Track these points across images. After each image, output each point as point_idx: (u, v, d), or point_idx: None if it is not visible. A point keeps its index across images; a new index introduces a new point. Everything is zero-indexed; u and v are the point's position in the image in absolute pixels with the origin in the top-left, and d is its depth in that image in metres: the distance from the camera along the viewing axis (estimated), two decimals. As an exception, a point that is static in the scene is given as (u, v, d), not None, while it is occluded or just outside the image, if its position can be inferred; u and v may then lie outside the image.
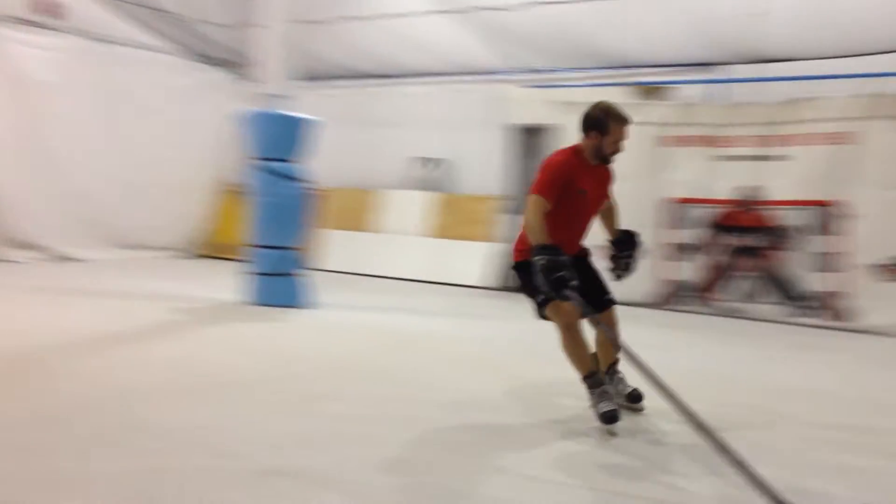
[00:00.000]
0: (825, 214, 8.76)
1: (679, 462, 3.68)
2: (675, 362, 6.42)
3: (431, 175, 12.54)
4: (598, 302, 4.41)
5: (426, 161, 12.65)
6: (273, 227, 8.10)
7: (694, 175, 9.69)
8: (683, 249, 9.77)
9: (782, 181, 9.13)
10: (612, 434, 4.03)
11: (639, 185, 9.98)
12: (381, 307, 8.69)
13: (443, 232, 11.86)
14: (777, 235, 9.19)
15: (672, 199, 9.84)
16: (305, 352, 6.00)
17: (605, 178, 4.56)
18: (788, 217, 9.10)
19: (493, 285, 11.11)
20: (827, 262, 8.79)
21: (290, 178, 8.08)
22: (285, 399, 4.48)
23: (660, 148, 9.95)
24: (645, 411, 4.44)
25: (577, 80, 11.03)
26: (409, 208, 12.30)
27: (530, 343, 7.00)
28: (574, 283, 3.87)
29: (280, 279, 8.06)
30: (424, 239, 11.97)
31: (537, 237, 4.02)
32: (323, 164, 9.89)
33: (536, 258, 3.88)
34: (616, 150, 4.35)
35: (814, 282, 8.78)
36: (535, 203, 4.15)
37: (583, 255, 4.58)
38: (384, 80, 13.10)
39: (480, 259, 11.32)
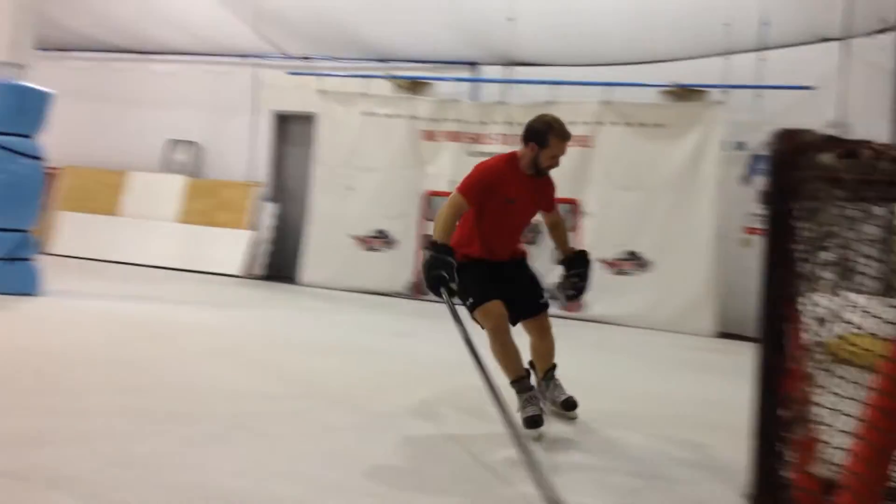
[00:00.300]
0: (565, 212, 9.44)
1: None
2: (419, 348, 6.68)
3: (186, 158, 12.01)
4: (529, 306, 4.38)
5: (181, 144, 12.09)
6: (5, 208, 7.35)
7: (450, 169, 10.06)
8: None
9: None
10: (536, 439, 3.95)
11: (399, 178, 10.28)
12: (126, 295, 8.18)
13: (197, 218, 11.40)
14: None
15: (430, 191, 10.16)
16: (39, 343, 5.50)
17: (541, 189, 4.41)
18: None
19: (251, 274, 10.88)
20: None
21: (23, 154, 7.36)
22: (14, 394, 4.08)
23: (420, 142, 10.26)
24: (576, 420, 4.37)
25: (338, 69, 11.06)
26: (161, 192, 11.69)
27: (282, 332, 6.94)
28: (452, 285, 3.85)
29: (13, 264, 7.33)
30: (177, 225, 11.44)
31: (438, 233, 4.00)
32: (61, 140, 9.17)
33: (425, 252, 3.79)
34: (552, 165, 4.27)
35: (550, 275, 9.36)
36: (451, 200, 4.14)
37: (518, 257, 4.51)
38: (134, 56, 12.38)
39: (237, 247, 11.02)
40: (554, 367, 4.48)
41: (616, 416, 4.62)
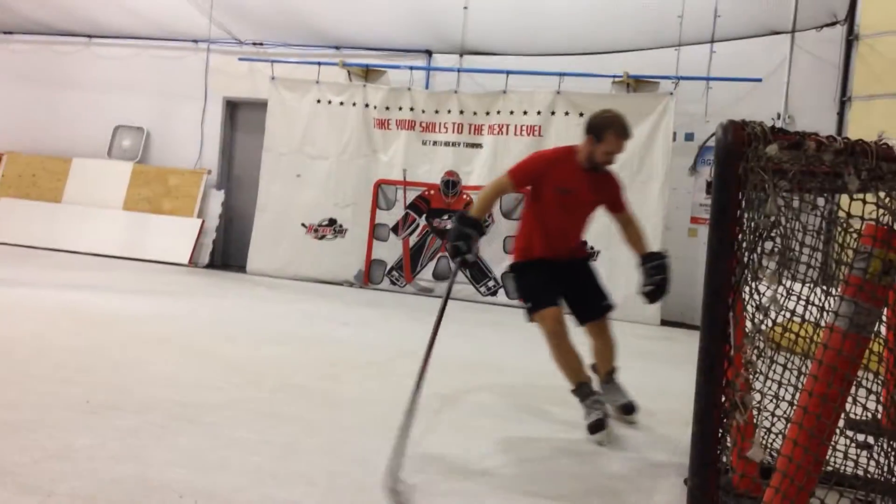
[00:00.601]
0: (515, 200, 9.46)
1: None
2: (368, 338, 6.65)
3: (133, 145, 11.77)
4: (592, 308, 4.34)
5: (127, 130, 11.84)
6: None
7: (403, 158, 10.03)
8: (385, 229, 10.11)
9: (479, 168, 9.74)
10: (599, 444, 3.88)
11: (351, 166, 10.22)
12: (68, 284, 7.99)
13: (144, 206, 11.18)
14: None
15: (382, 180, 10.11)
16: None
17: (601, 185, 4.27)
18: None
19: (198, 262, 10.73)
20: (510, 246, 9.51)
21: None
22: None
23: (372, 130, 10.20)
24: (636, 424, 4.32)
25: (291, 56, 10.92)
26: (106, 179, 11.44)
27: (228, 321, 6.84)
28: (469, 257, 3.92)
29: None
30: (123, 212, 11.21)
31: (474, 207, 4.12)
32: (3, 126, 8.93)
33: (452, 222, 3.95)
34: (607, 161, 4.15)
35: (452, 281, 9.39)
36: (497, 178, 4.25)
37: (580, 257, 4.47)
38: (80, 39, 12.07)
39: (185, 235, 10.84)
40: (615, 369, 4.42)
41: (562, 405, 4.63)
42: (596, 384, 4.30)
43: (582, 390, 4.11)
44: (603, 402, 4.13)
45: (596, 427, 3.95)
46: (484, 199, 4.18)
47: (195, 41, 11.46)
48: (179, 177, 11.21)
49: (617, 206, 4.41)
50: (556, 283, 4.24)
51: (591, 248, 9.24)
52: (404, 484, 2.99)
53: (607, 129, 4.07)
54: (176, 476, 2.92)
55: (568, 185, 4.16)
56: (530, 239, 4.30)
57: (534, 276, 4.26)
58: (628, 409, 4.32)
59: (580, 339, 4.33)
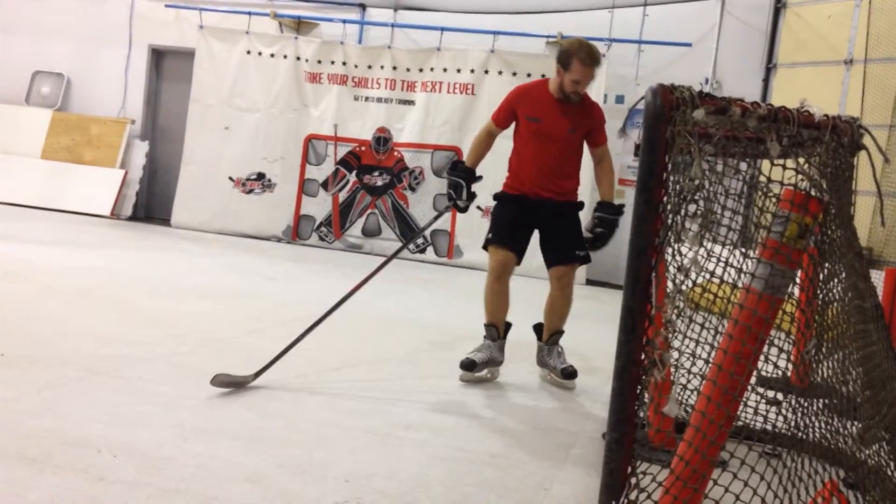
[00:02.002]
0: (447, 159, 9.44)
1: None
2: (293, 293, 6.60)
3: (52, 91, 11.30)
4: (560, 253, 4.29)
5: (47, 76, 11.36)
6: None
7: (335, 112, 9.89)
8: (315, 185, 9.99)
9: (411, 125, 9.68)
10: (462, 381, 4.13)
11: (281, 120, 10.04)
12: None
13: (63, 155, 10.79)
14: (402, 176, 9.74)
15: (313, 135, 9.97)
16: None
17: (577, 116, 4.23)
18: (413, 159, 9.68)
19: (120, 214, 10.45)
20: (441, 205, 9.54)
21: None
22: None
23: (304, 83, 10.02)
24: (574, 391, 4.29)
25: (220, 4, 10.61)
26: (24, 127, 10.99)
27: (151, 275, 6.69)
28: (461, 203, 4.31)
29: None
30: (41, 161, 10.79)
31: (467, 156, 4.35)
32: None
33: (448, 168, 4.31)
34: (574, 90, 4.12)
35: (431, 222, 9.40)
36: (484, 125, 4.42)
37: (562, 199, 4.31)
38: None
39: (106, 186, 10.52)
40: (559, 332, 4.41)
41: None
42: (533, 348, 4.47)
43: (489, 330, 4.31)
44: (492, 347, 4.27)
45: (464, 365, 4.17)
46: (474, 145, 4.40)
47: (118, -15, 11.03)
48: (102, 126, 10.84)
49: (592, 139, 4.35)
50: (525, 226, 4.32)
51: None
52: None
53: (572, 58, 4.07)
54: (94, 430, 2.86)
55: (538, 114, 4.22)
56: (516, 173, 4.35)
57: (506, 213, 4.34)
58: (567, 374, 4.32)
59: (540, 296, 4.40)
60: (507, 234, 4.28)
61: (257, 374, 3.70)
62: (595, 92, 9.06)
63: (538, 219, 4.31)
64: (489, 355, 4.25)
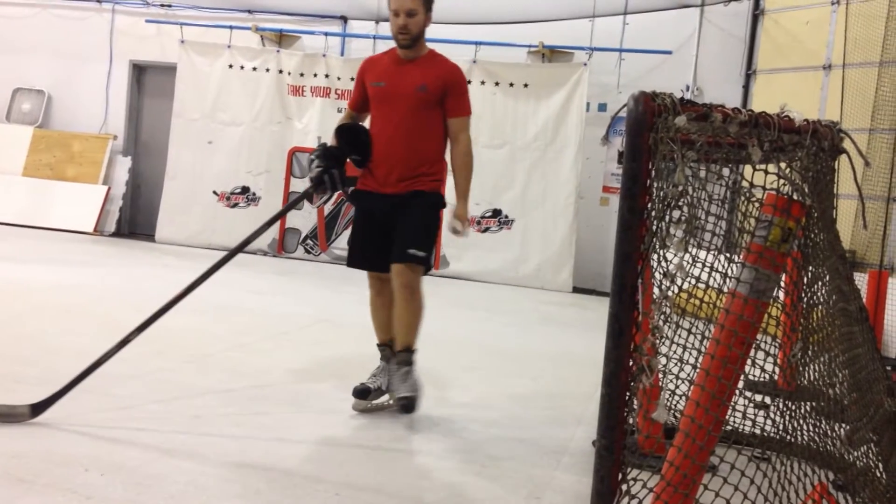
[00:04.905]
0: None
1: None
2: (278, 307, 6.57)
3: (33, 108, 11.24)
4: (394, 251, 3.64)
5: (27, 92, 11.29)
6: None
7: (318, 125, 9.88)
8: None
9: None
10: (355, 410, 3.64)
11: (264, 133, 10.02)
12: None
13: (45, 172, 10.71)
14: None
15: (296, 147, 9.96)
16: None
17: (427, 72, 3.73)
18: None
19: (104, 231, 10.39)
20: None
21: None
22: None
23: (286, 96, 10.02)
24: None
25: (201, 19, 10.59)
26: (4, 144, 10.89)
27: (135, 291, 6.64)
28: (323, 187, 3.68)
29: None
30: (23, 179, 10.71)
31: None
32: None
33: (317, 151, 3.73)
34: (400, 29, 3.66)
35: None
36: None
37: (410, 190, 3.70)
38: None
39: (89, 202, 10.46)
40: (409, 351, 3.70)
41: (475, 370, 4.69)
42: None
43: (382, 351, 3.84)
44: (383, 372, 3.77)
45: (356, 392, 3.64)
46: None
47: (99, 0, 10.99)
48: (84, 142, 10.78)
49: (448, 109, 3.77)
50: (377, 236, 3.75)
51: (502, 214, 9.32)
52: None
53: None
54: (82, 449, 2.84)
55: (381, 77, 3.77)
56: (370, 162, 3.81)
57: (356, 228, 3.94)
58: (405, 407, 3.63)
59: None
60: (358, 257, 3.85)
61: (38, 409, 3.16)
62: (577, 101, 9.15)
63: (390, 217, 3.71)
64: (386, 378, 3.75)
